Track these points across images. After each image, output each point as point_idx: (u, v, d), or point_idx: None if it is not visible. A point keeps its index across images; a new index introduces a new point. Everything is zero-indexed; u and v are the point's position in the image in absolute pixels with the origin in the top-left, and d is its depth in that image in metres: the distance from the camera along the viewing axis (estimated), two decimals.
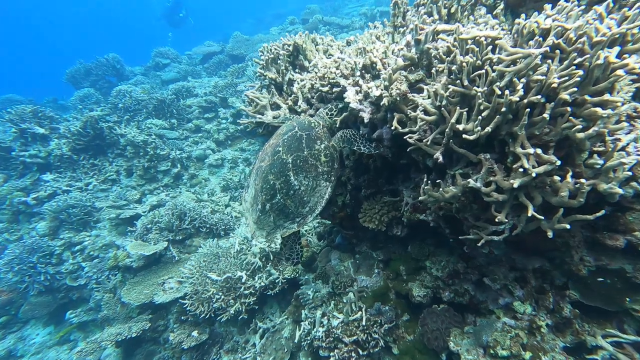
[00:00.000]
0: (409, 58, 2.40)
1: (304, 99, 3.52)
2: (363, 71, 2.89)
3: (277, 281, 4.75)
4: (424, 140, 2.14)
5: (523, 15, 1.87)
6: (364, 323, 3.13)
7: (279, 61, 3.61)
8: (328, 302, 3.67)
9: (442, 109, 2.03)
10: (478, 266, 2.71)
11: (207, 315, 4.91)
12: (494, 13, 2.40)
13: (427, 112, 2.17)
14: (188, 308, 5.03)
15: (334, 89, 3.21)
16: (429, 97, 2.23)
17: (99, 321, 6.35)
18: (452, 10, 2.69)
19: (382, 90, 2.54)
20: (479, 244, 2.04)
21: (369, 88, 2.69)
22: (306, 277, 4.23)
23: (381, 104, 2.41)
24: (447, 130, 2.01)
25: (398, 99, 2.39)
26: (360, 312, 3.20)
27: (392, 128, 2.42)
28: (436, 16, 2.44)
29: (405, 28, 3.03)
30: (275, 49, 3.65)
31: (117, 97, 12.19)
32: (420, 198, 2.31)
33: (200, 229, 6.87)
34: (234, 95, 11.43)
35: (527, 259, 2.40)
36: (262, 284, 4.77)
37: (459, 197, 2.12)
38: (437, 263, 3.00)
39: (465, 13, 2.69)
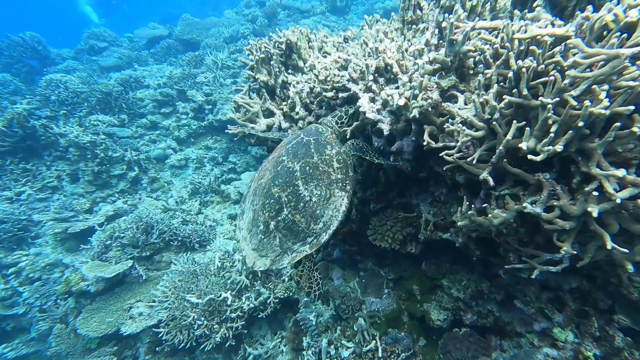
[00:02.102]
0: (440, 62, 2.11)
1: (302, 105, 3.10)
2: (376, 75, 2.56)
3: (268, 301, 4.33)
4: (468, 159, 1.88)
5: (590, 7, 1.63)
6: (380, 355, 2.88)
7: (271, 62, 3.12)
8: (333, 328, 3.37)
9: (494, 122, 1.77)
10: (504, 285, 2.58)
11: (188, 344, 4.37)
12: (533, 5, 2.14)
13: (472, 126, 1.90)
14: (164, 337, 4.44)
15: (340, 94, 2.84)
16: (469, 108, 1.97)
17: (48, 359, 5.44)
18: (475, 3, 2.42)
19: (407, 98, 2.23)
20: (533, 276, 1.85)
21: (388, 96, 2.36)
22: (303, 297, 3.88)
23: (410, 115, 2.10)
24: (500, 147, 1.76)
25: (430, 109, 2.10)
26: (374, 342, 2.95)
27: (425, 143, 2.12)
28: (461, 11, 2.17)
29: (417, 24, 2.73)
30: (266, 48, 3.15)
31: (47, 87, 10.50)
32: (460, 224, 2.07)
33: (170, 242, 6.14)
34: (194, 88, 10.43)
35: (561, 277, 2.29)
36: (251, 305, 4.33)
37: (509, 223, 1.91)
38: (456, 282, 2.84)
39: (488, 6, 2.44)
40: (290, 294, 4.42)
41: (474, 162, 1.83)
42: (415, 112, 2.08)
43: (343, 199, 2.35)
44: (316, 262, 2.67)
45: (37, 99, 10.41)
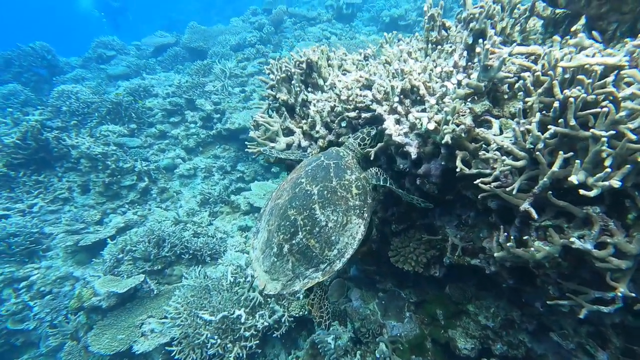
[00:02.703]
0: (473, 87, 2.01)
1: (322, 123, 3.01)
2: (401, 96, 2.46)
3: (282, 320, 4.23)
4: (507, 188, 1.77)
5: None
6: None
7: (292, 81, 3.04)
8: (352, 352, 3.25)
9: (537, 153, 1.66)
10: (536, 315, 2.45)
11: None
12: (572, 30, 2.04)
13: (511, 155, 1.79)
14: (177, 356, 4.34)
15: (363, 115, 2.74)
16: (507, 135, 1.87)
17: None
18: (504, 24, 2.33)
19: (437, 123, 2.13)
20: (581, 315, 1.73)
21: (416, 119, 2.27)
22: None
23: (443, 141, 1.99)
24: (544, 179, 1.65)
25: (462, 134, 2.00)
26: None
27: (458, 169, 2.02)
28: (496, 37, 2.07)
29: (442, 45, 2.64)
30: (287, 67, 3.07)
31: (59, 98, 10.54)
32: (497, 255, 1.95)
33: (182, 255, 6.06)
34: (202, 97, 10.42)
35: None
36: (265, 323, 4.22)
37: (552, 257, 1.79)
38: (484, 309, 2.71)
39: (517, 28, 2.34)
40: (305, 312, 4.31)
41: (514, 192, 1.72)
42: (447, 138, 1.98)
43: (360, 227, 2.27)
44: (327, 286, 2.59)
45: (49, 110, 10.46)
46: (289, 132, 3.14)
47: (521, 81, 1.74)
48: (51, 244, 6.96)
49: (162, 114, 10.45)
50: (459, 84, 2.22)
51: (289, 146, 3.08)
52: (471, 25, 2.21)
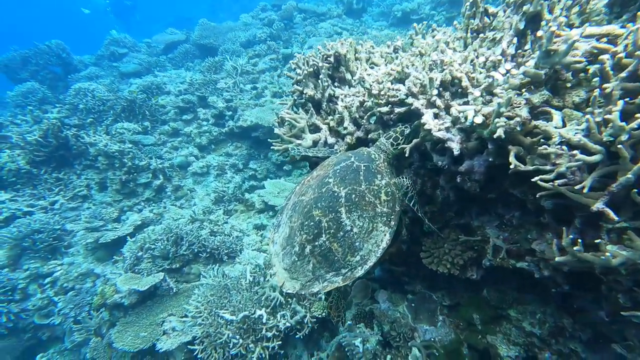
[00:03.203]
0: (531, 75, 1.81)
1: (350, 119, 2.84)
2: (441, 89, 2.28)
3: (305, 321, 4.11)
4: (576, 186, 1.57)
5: None
6: None
7: (320, 75, 2.87)
8: (382, 357, 3.10)
9: (619, 146, 1.45)
10: (591, 323, 2.25)
11: None
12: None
13: (582, 149, 1.58)
14: (199, 355, 4.27)
15: (396, 109, 2.56)
16: (571, 127, 1.67)
17: None
18: (562, 6, 2.08)
19: (485, 116, 1.95)
20: None
21: (460, 112, 2.08)
22: (347, 318, 3.63)
23: (495, 135, 1.81)
24: (628, 175, 1.44)
25: (518, 128, 1.81)
26: None
27: (512, 165, 1.82)
28: (562, 18, 1.85)
29: (485, 33, 2.42)
30: (314, 61, 2.90)
31: (76, 96, 10.56)
32: (559, 259, 1.76)
33: (199, 254, 5.99)
34: (214, 94, 10.31)
35: None
36: (287, 324, 4.11)
37: (632, 263, 1.59)
38: (528, 314, 2.53)
39: (575, 9, 2.10)
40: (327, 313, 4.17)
41: (586, 190, 1.52)
42: (500, 132, 1.79)
43: (385, 235, 2.16)
44: (346, 293, 2.54)
45: (66, 108, 10.49)
46: (315, 129, 2.98)
47: (597, 65, 1.54)
48: (72, 241, 6.99)
49: (174, 111, 10.39)
50: (509, 73, 2.02)
51: (315, 143, 2.92)
52: (524, 8, 2.00)
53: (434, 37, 2.76)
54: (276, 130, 2.95)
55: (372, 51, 3.12)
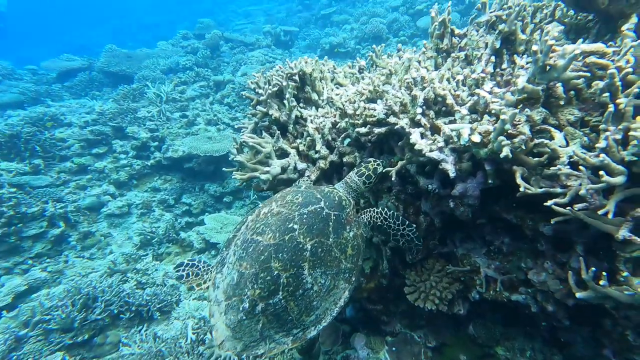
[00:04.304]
0: (529, 91, 1.75)
1: (323, 142, 2.52)
2: (424, 107, 2.14)
3: None
4: (598, 211, 1.48)
5: None
6: None
7: (286, 95, 2.52)
8: None
9: None
10: (580, 357, 2.18)
11: None
12: (623, 29, 1.91)
13: (606, 170, 1.49)
14: None
15: (376, 130, 2.34)
16: (573, 146, 1.62)
17: None
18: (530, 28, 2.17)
19: (482, 134, 1.83)
20: None
21: (452, 131, 1.94)
22: None
23: (502, 155, 1.67)
24: None
25: (523, 147, 1.71)
26: None
27: (521, 189, 1.69)
28: (556, 32, 1.89)
29: (455, 52, 2.41)
30: (277, 81, 2.54)
31: None
32: (580, 295, 1.59)
33: (120, 315, 4.74)
34: (135, 124, 9.04)
35: None
36: None
37: None
38: (517, 352, 2.40)
39: (536, 34, 2.21)
40: None
41: (610, 215, 1.42)
42: (506, 151, 1.66)
43: (344, 292, 2.02)
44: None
45: None
46: (282, 154, 2.57)
47: (605, 80, 1.52)
48: None
49: (80, 145, 8.72)
50: (493, 91, 1.97)
51: (284, 170, 2.50)
52: (500, 27, 2.01)
53: (400, 57, 2.69)
54: (237, 157, 2.45)
55: (335, 71, 2.92)
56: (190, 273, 2.30)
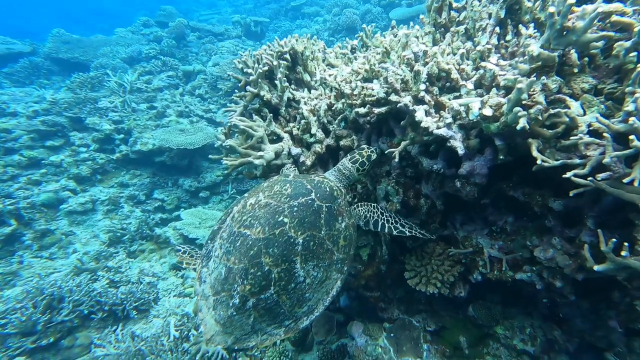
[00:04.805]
0: (544, 58, 1.65)
1: (319, 125, 2.32)
2: (427, 83, 2.01)
3: None
4: (624, 179, 1.40)
5: None
6: None
7: (278, 75, 2.27)
8: None
9: None
10: (578, 331, 2.21)
11: None
12: None
13: (637, 135, 1.40)
14: None
15: (375, 110, 2.18)
16: (590, 115, 1.56)
17: None
18: None
19: (493, 107, 1.74)
20: None
21: (461, 106, 1.83)
22: None
23: (518, 127, 1.57)
24: None
25: (540, 117, 1.62)
26: None
27: (539, 161, 1.59)
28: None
29: (454, 26, 2.28)
30: (267, 60, 2.29)
31: None
32: (599, 268, 1.53)
33: (92, 315, 4.29)
34: (95, 114, 8.21)
35: None
36: None
37: None
38: (517, 330, 2.40)
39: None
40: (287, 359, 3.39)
41: (637, 183, 1.36)
42: (523, 123, 1.57)
43: (337, 282, 1.97)
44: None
45: None
46: (274, 138, 2.34)
47: (634, 38, 1.44)
48: None
49: (30, 136, 7.77)
50: (499, 63, 1.88)
51: (277, 155, 2.28)
52: None
53: (395, 35, 2.54)
54: (228, 141, 2.18)
55: (326, 51, 2.71)
56: (188, 251, 2.27)
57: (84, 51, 12.40)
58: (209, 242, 2.08)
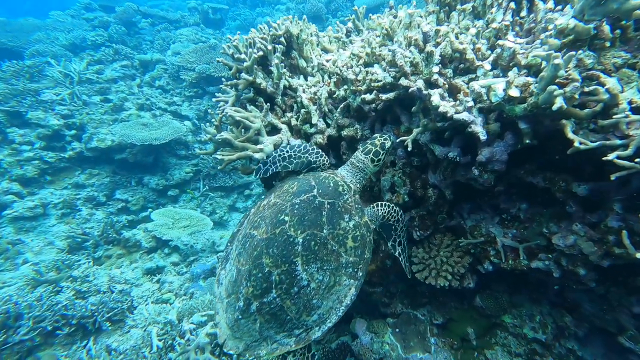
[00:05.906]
0: (579, 31, 1.46)
1: (320, 115, 2.00)
2: (440, 65, 1.79)
3: None
4: None
5: None
6: None
7: (274, 61, 1.89)
8: None
9: None
10: (587, 316, 2.17)
11: None
12: None
13: None
14: None
15: (383, 96, 1.91)
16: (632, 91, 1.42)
17: None
18: None
19: (521, 87, 1.55)
20: None
21: (482, 87, 1.62)
22: None
23: (554, 107, 1.39)
24: None
25: (577, 96, 1.44)
26: None
27: (576, 144, 1.42)
28: None
29: (460, 4, 2.06)
30: (262, 43, 1.89)
31: None
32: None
33: (57, 331, 3.66)
34: (38, 108, 7.01)
35: None
36: None
37: None
38: (526, 319, 2.32)
39: None
40: None
41: None
42: (560, 102, 1.38)
43: (350, 289, 1.77)
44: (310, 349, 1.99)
45: None
46: (272, 130, 1.98)
47: None
48: None
49: None
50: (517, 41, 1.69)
51: (276, 147, 1.93)
52: None
53: (395, 16, 2.26)
54: (223, 135, 1.79)
55: (319, 35, 2.37)
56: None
57: (13, 36, 10.63)
58: (229, 244, 1.98)
